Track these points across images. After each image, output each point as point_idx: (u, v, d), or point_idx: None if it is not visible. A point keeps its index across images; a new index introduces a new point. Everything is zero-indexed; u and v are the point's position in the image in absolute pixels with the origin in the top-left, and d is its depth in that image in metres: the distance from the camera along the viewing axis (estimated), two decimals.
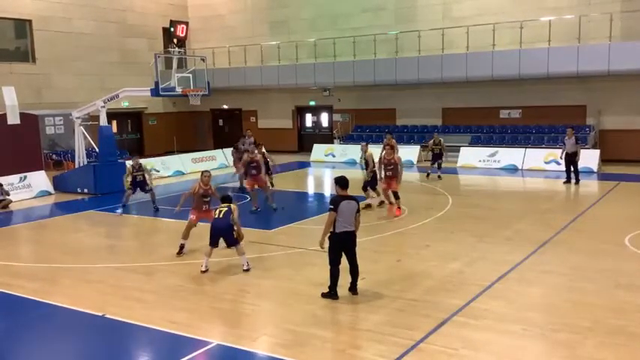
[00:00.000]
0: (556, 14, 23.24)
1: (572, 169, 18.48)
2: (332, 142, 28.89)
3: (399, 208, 14.29)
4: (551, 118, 24.54)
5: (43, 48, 26.67)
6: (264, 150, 17.24)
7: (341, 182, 8.64)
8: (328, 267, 8.51)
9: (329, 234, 8.42)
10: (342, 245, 8.44)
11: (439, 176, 19.99)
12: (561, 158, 18.84)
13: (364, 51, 26.75)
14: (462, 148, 24.46)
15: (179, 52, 20.57)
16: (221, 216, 9.97)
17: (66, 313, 8.49)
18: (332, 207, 8.31)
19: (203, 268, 10.01)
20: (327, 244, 8.49)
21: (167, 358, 7.22)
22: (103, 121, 19.48)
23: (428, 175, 20.24)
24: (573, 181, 18.42)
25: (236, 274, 10.01)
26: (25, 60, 26.53)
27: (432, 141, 20.46)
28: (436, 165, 20.19)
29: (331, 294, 8.49)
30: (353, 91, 28.89)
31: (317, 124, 31.75)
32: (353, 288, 8.65)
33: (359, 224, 8.63)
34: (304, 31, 29.28)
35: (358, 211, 8.48)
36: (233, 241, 10.05)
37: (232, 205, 10.14)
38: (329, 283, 8.51)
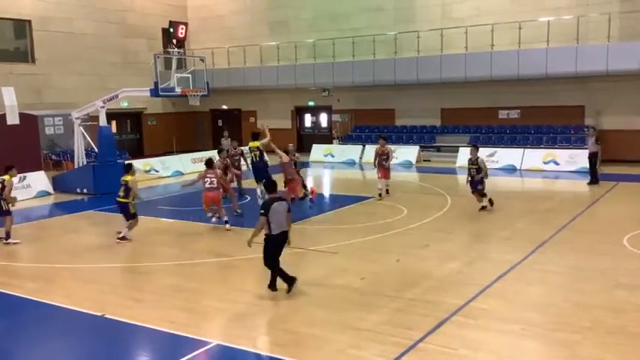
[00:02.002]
0: (555, 15, 23.27)
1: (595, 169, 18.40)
2: (331, 143, 28.91)
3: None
4: (549, 119, 24.57)
5: (43, 48, 26.66)
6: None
7: (267, 186, 9.16)
8: (277, 268, 8.84)
9: (265, 236, 8.70)
10: (278, 246, 8.70)
11: (483, 206, 14.66)
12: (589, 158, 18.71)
13: (363, 51, 26.77)
14: (460, 148, 24.47)
15: (178, 52, 20.57)
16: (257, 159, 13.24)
17: (65, 313, 8.49)
18: (262, 211, 8.60)
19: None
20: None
21: (167, 358, 7.23)
22: (103, 121, 19.49)
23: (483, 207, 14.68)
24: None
25: (236, 274, 10.03)
26: (25, 60, 26.52)
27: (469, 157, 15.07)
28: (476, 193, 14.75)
29: (270, 286, 8.86)
30: (352, 92, 28.91)
31: (316, 124, 31.77)
32: (271, 285, 8.91)
33: (290, 223, 8.90)
34: (303, 32, 29.30)
35: (289, 210, 8.77)
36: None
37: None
38: (269, 279, 8.90)
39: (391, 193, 17.03)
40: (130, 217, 12.39)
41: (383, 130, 28.27)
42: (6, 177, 12.76)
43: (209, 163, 13.54)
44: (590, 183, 18.36)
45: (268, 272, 10.01)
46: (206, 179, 13.22)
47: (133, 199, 12.35)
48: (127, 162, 13.41)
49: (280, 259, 8.89)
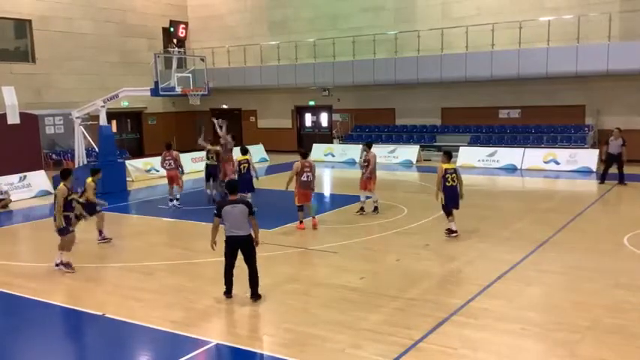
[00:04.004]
0: (555, 14, 23.28)
1: (608, 170, 17.95)
2: (331, 142, 28.93)
3: (301, 222, 13.06)
4: (550, 118, 24.57)
5: (43, 48, 26.68)
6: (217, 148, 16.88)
7: (228, 187, 8.97)
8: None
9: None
10: (232, 249, 8.51)
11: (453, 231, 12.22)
12: (602, 160, 18.03)
13: (363, 51, 26.78)
14: (461, 147, 24.49)
15: (179, 51, 20.63)
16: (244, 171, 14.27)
17: (66, 313, 8.51)
18: (215, 212, 8.55)
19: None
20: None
21: (167, 357, 7.23)
22: (103, 120, 19.50)
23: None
24: (613, 181, 17.94)
25: (235, 273, 10.02)
26: (25, 60, 26.54)
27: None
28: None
29: (224, 293, 8.66)
30: (352, 91, 28.92)
31: (316, 123, 31.78)
32: (252, 295, 8.65)
33: (256, 227, 8.63)
34: (304, 31, 29.30)
35: (250, 213, 8.50)
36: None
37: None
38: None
39: (384, 196, 15.57)
40: (59, 232, 10.39)
41: (383, 129, 28.30)
42: (88, 179, 12.18)
43: (168, 146, 16.41)
44: (620, 183, 17.77)
45: (267, 272, 10.04)
46: (165, 162, 16.02)
47: (58, 212, 10.30)
48: (63, 168, 10.98)
49: (238, 265, 8.65)
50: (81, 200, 11.42)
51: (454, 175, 11.98)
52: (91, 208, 11.87)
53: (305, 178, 12.90)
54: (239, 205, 8.47)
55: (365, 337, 7.21)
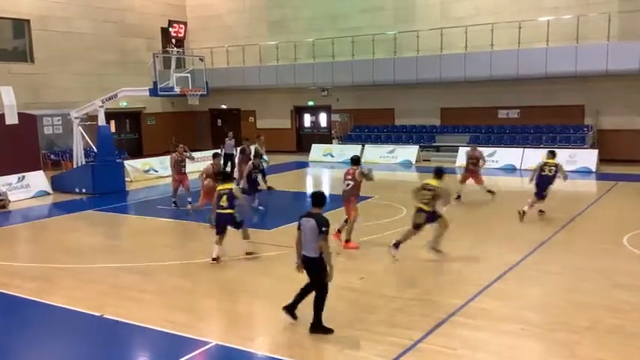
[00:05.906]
0: (554, 14, 23.28)
1: None
2: (330, 142, 28.90)
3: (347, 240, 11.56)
4: (549, 118, 24.57)
5: (42, 48, 26.64)
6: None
7: (312, 198, 7.74)
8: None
9: None
10: (305, 268, 7.65)
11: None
12: None
13: (363, 51, 26.76)
14: (460, 148, 24.46)
15: (177, 51, 20.57)
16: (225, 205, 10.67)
17: (64, 313, 8.47)
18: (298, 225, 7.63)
19: (214, 255, 10.48)
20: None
21: (166, 358, 7.22)
22: (102, 120, 19.47)
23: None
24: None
25: (235, 273, 10.01)
26: (24, 60, 26.50)
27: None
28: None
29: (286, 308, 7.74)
30: (351, 91, 28.89)
31: (315, 124, 31.76)
32: (311, 324, 7.42)
33: (324, 249, 7.27)
34: (303, 31, 29.28)
35: (321, 232, 7.25)
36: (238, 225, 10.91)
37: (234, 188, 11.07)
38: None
39: (384, 196, 16.33)
40: (239, 224, 10.82)
41: (382, 129, 28.27)
42: (433, 183, 10.65)
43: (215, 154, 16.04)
44: None
45: (267, 272, 10.02)
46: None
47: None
48: (220, 171, 12.01)
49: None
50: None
51: (552, 167, 13.46)
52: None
53: (345, 187, 11.65)
54: (311, 220, 7.46)
55: (364, 338, 7.20)
